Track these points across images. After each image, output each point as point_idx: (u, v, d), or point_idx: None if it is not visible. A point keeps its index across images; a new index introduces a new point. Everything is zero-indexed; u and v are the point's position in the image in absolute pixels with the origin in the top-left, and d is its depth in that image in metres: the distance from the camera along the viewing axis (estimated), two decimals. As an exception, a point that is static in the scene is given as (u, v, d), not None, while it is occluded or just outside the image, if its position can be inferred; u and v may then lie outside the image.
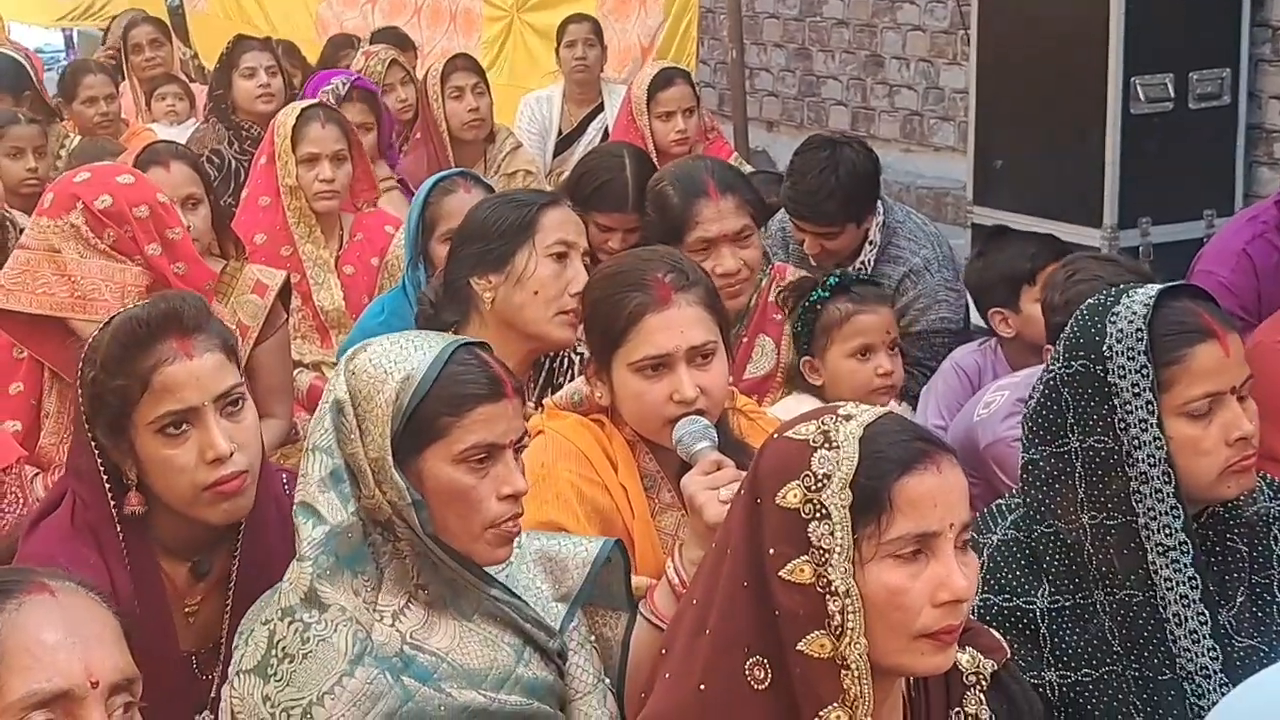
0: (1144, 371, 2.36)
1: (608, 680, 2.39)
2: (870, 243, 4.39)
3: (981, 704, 2.03)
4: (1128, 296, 2.43)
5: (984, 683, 2.04)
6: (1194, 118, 6.12)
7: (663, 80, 5.48)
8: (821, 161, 4.33)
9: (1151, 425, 2.35)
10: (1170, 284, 2.47)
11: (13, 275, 3.48)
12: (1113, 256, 4.11)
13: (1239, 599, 2.46)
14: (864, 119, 8.61)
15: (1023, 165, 6.32)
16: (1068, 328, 2.48)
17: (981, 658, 2.05)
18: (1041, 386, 2.49)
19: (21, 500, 3.13)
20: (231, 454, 2.46)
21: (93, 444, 2.47)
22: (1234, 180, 6.28)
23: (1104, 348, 2.39)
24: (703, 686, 1.92)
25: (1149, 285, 2.46)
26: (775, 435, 1.98)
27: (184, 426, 2.45)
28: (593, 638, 2.42)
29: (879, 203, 4.45)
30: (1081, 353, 2.42)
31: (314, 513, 2.22)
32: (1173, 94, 6.05)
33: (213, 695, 2.55)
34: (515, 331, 3.24)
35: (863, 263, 4.33)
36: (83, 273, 3.46)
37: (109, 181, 3.54)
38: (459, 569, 2.24)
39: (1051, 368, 2.48)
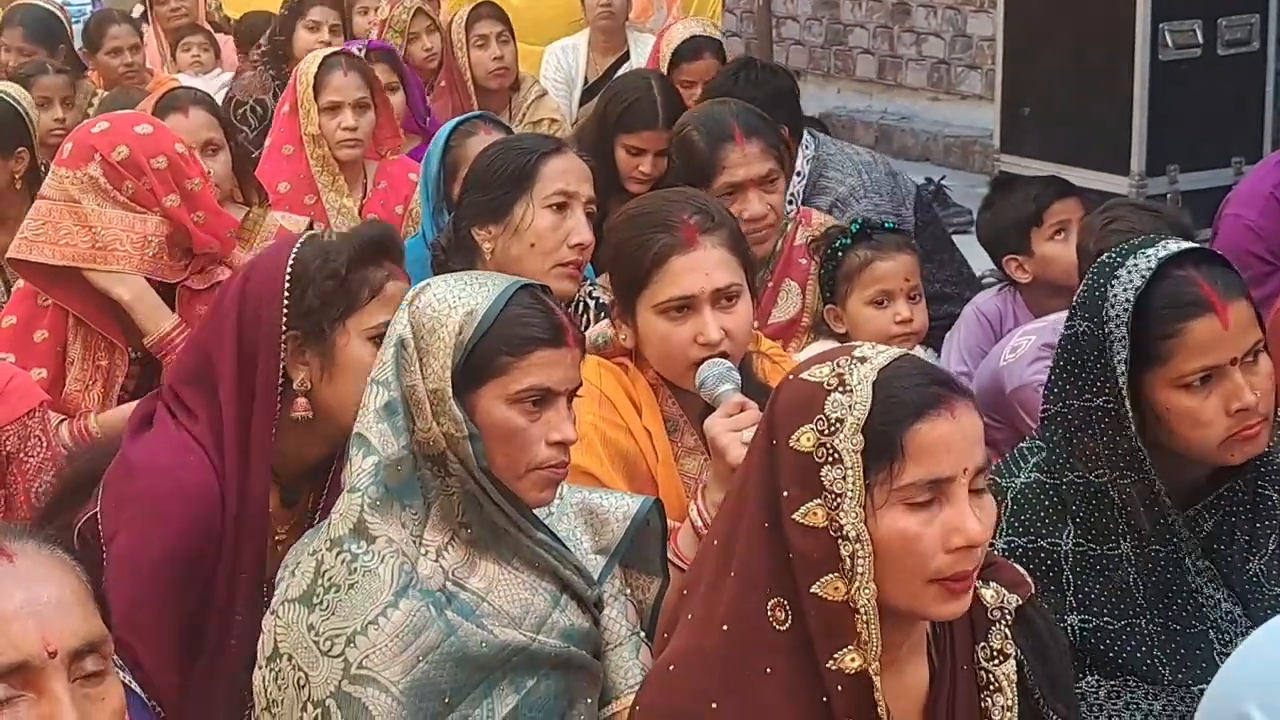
0: (1124, 343, 2.34)
1: (642, 633, 2.40)
2: (798, 174, 4.37)
3: (1006, 639, 2.01)
4: (1133, 259, 2.38)
5: (1008, 618, 2.03)
6: (1222, 64, 6.08)
7: (690, 51, 5.41)
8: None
9: (1125, 399, 2.33)
10: (1179, 248, 2.42)
11: (35, 226, 3.48)
12: (1152, 205, 4.08)
13: (1271, 546, 2.46)
14: (891, 67, 8.58)
15: (1050, 113, 6.29)
16: (1082, 283, 2.46)
17: (1005, 593, 2.04)
18: (1061, 340, 2.48)
19: (45, 445, 3.13)
20: None
21: (282, 345, 2.51)
22: (1263, 126, 6.25)
23: (1102, 311, 2.37)
24: (726, 627, 1.92)
25: (1157, 247, 2.41)
26: (791, 376, 1.98)
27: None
28: (628, 590, 2.42)
29: (809, 136, 4.44)
30: (1086, 313, 2.40)
31: (366, 443, 2.24)
32: (1201, 40, 6.01)
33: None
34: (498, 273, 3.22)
35: (791, 195, 4.29)
36: (102, 223, 3.46)
37: (127, 132, 3.52)
38: (507, 507, 2.25)
39: (1069, 322, 2.46)
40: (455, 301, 2.25)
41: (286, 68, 5.79)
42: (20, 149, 4.29)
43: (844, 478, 1.86)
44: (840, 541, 1.86)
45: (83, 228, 3.46)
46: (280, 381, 2.52)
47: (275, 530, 2.59)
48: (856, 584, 1.85)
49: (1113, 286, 2.37)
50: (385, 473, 2.22)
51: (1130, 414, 2.36)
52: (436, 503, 2.25)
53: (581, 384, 2.34)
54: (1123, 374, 2.35)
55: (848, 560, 1.86)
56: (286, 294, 2.51)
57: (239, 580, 2.52)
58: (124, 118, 3.72)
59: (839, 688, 1.86)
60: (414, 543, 2.22)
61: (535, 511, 2.32)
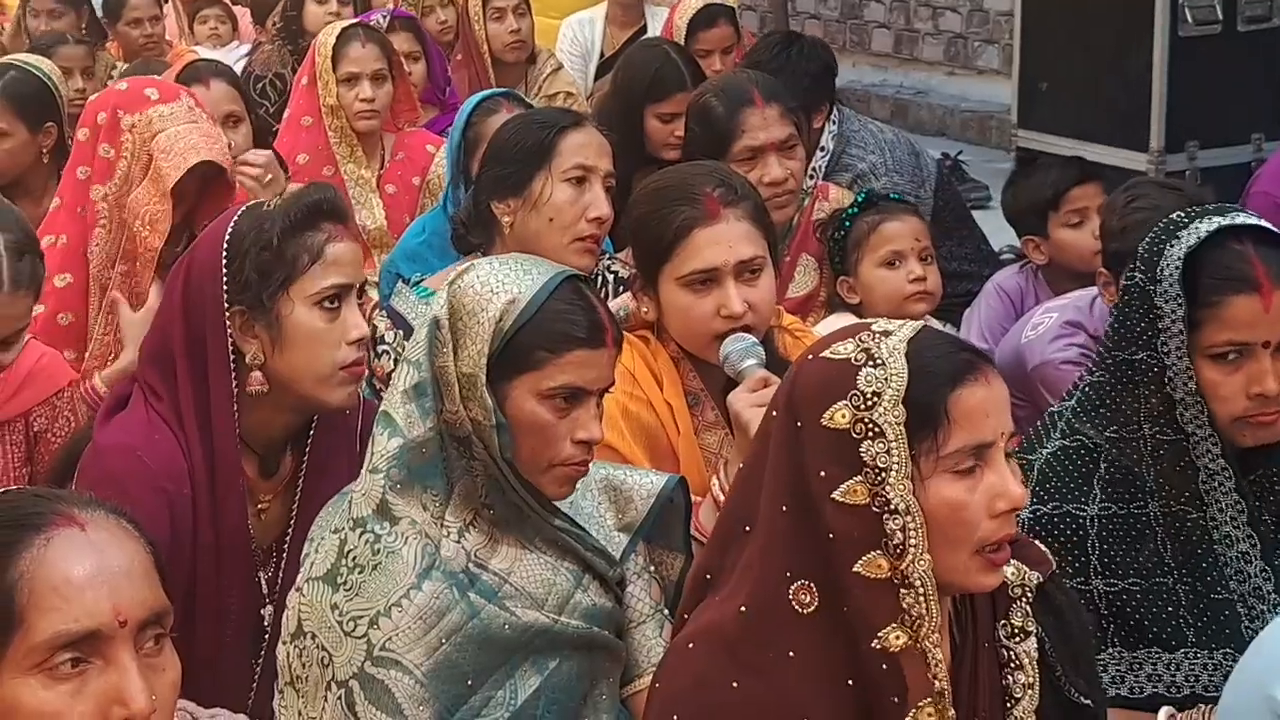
0: (1179, 301, 2.35)
1: (665, 611, 2.40)
2: (821, 149, 4.36)
3: (1028, 616, 2.02)
4: (1197, 222, 2.40)
5: (1029, 595, 2.03)
6: (1242, 40, 6.03)
7: (705, 19, 5.40)
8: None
9: (1184, 356, 2.35)
10: (1245, 222, 2.42)
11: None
12: (1175, 183, 4.08)
13: None
14: (907, 42, 8.56)
15: (1068, 88, 6.25)
16: (1147, 236, 2.46)
17: (1027, 570, 2.04)
18: (1120, 290, 2.48)
19: (73, 424, 3.16)
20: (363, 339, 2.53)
21: (226, 321, 2.49)
22: (1284, 103, 6.21)
23: (1158, 268, 2.38)
24: (744, 608, 1.92)
25: (1228, 216, 2.42)
26: (809, 356, 1.96)
27: (337, 303, 2.49)
28: (651, 568, 2.42)
29: (835, 111, 4.43)
30: (1143, 266, 2.42)
31: (392, 423, 2.24)
32: (1221, 16, 5.97)
33: (266, 593, 2.59)
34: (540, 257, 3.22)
35: (814, 169, 4.29)
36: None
37: (146, 100, 3.54)
38: (525, 496, 2.25)
39: (1129, 272, 2.46)
40: (498, 287, 2.23)
41: (302, 42, 5.78)
42: (48, 124, 4.29)
43: (888, 451, 1.85)
44: (886, 517, 1.85)
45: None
46: (232, 357, 2.50)
47: (259, 499, 2.59)
48: (910, 557, 1.85)
49: (1172, 246, 2.38)
50: (409, 454, 2.22)
51: (1172, 369, 2.36)
52: (460, 483, 2.24)
53: (614, 383, 2.33)
54: (1167, 329, 2.35)
55: (897, 534, 1.85)
56: (225, 269, 2.49)
57: (223, 553, 2.52)
58: (141, 82, 3.73)
59: (883, 666, 1.85)
60: (436, 524, 2.22)
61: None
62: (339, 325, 2.49)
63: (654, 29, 6.49)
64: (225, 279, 2.48)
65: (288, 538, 2.59)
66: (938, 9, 8.31)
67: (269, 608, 2.58)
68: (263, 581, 2.59)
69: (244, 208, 2.57)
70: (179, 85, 3.60)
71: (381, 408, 2.28)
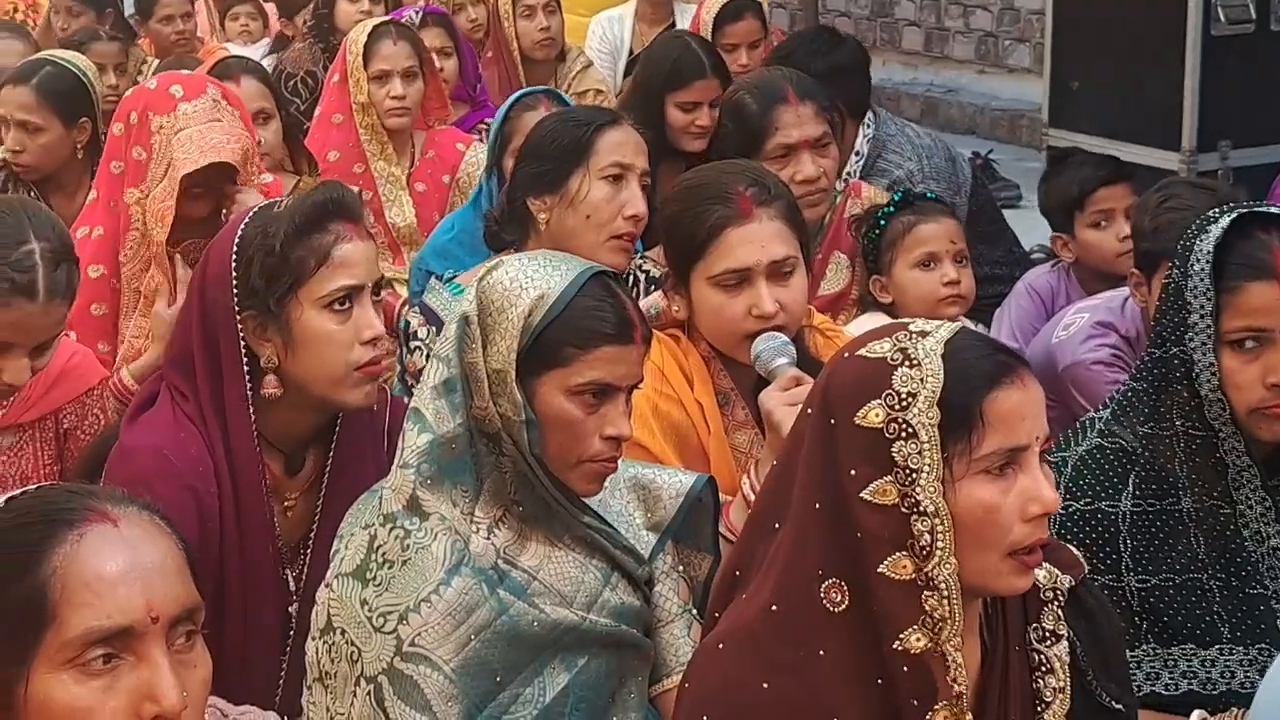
0: (1208, 294, 2.35)
1: (693, 610, 2.39)
2: (856, 153, 4.35)
3: (1059, 620, 2.01)
4: (1226, 215, 2.40)
5: (1061, 599, 2.02)
6: (1275, 39, 6.01)
7: (731, 12, 5.40)
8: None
9: (1209, 350, 2.34)
10: (1276, 212, 2.43)
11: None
12: (1208, 183, 4.06)
13: None
14: (938, 40, 8.53)
15: (1100, 87, 6.24)
16: (1183, 235, 2.46)
17: (1059, 574, 2.03)
18: (1160, 292, 2.48)
19: (103, 421, 3.17)
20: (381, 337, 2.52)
21: (238, 326, 2.49)
22: (1315, 102, 6.18)
23: (1189, 263, 2.38)
24: (774, 607, 1.91)
25: (1248, 207, 2.43)
26: (845, 354, 1.96)
27: (349, 304, 2.49)
28: (680, 567, 2.42)
29: (871, 114, 4.41)
30: (1178, 261, 2.41)
31: (421, 419, 2.24)
32: (1254, 15, 5.95)
33: (292, 590, 2.59)
34: (569, 254, 3.22)
35: (848, 173, 4.28)
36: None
37: (172, 99, 3.55)
38: (554, 493, 2.25)
39: (1168, 273, 2.46)
40: (526, 283, 2.23)
41: (333, 39, 5.80)
42: (84, 119, 4.31)
43: (920, 452, 1.84)
44: (914, 518, 1.84)
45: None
46: (248, 360, 2.50)
47: (285, 497, 2.60)
48: (935, 560, 1.84)
49: (1202, 240, 2.38)
50: (439, 450, 2.22)
51: (1199, 364, 2.36)
52: (489, 479, 2.24)
53: (643, 379, 2.32)
54: (1195, 324, 2.35)
55: (924, 536, 1.84)
56: (235, 275, 2.48)
57: (249, 551, 2.52)
58: (170, 77, 3.75)
59: (904, 668, 1.85)
60: (466, 520, 2.22)
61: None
62: (351, 326, 2.48)
63: (683, 25, 6.49)
64: (235, 284, 2.48)
65: (313, 535, 2.60)
66: (969, 7, 8.28)
67: (295, 605, 2.58)
68: (289, 579, 2.60)
69: (254, 210, 2.56)
70: (206, 78, 3.60)
71: (412, 403, 2.28)
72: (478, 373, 2.22)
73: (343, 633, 2.21)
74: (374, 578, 2.21)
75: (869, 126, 4.39)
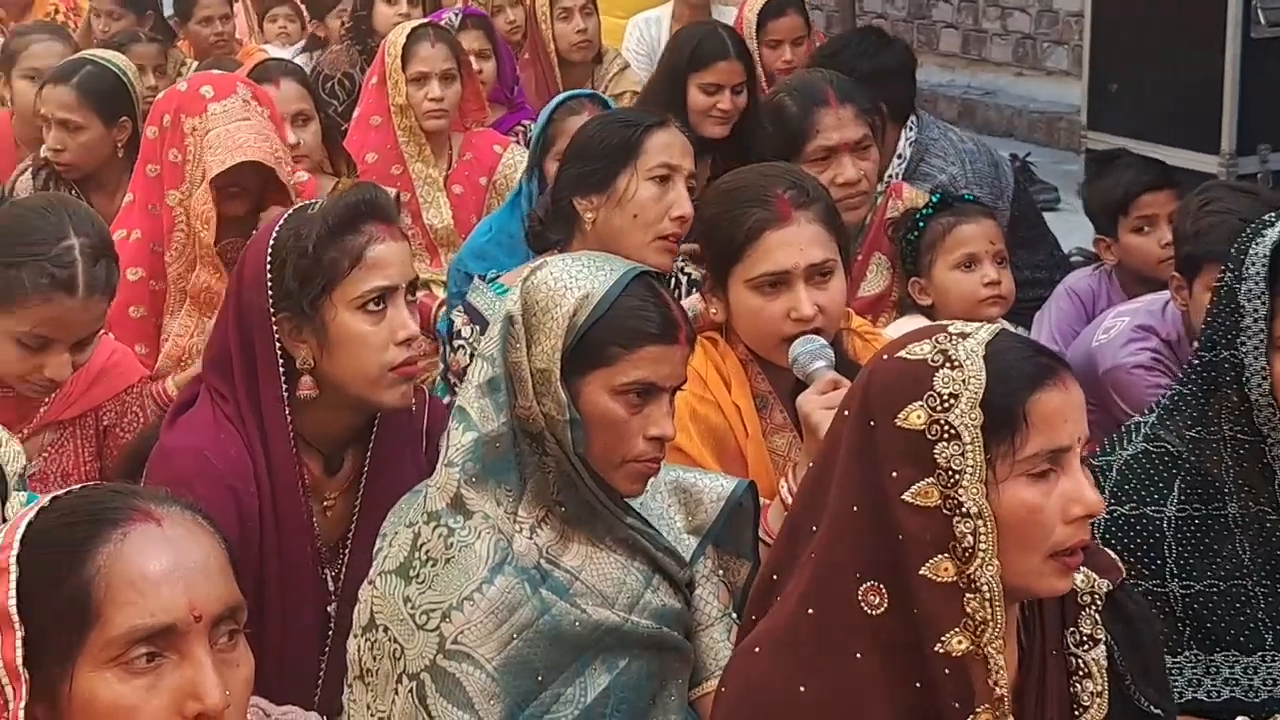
0: (1262, 298, 2.33)
1: (733, 614, 2.39)
2: (899, 156, 4.33)
3: (1097, 624, 2.00)
4: None
5: (1099, 602, 2.02)
6: (1317, 42, 5.97)
7: (775, 8, 5.41)
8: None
9: (1261, 355, 2.33)
10: None
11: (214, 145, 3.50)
12: (1249, 186, 4.05)
13: None
14: (975, 42, 8.50)
15: (1138, 89, 6.21)
16: (1237, 239, 2.45)
17: (1096, 578, 2.02)
18: (1211, 295, 2.47)
19: (142, 420, 3.19)
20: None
21: (274, 327, 2.50)
22: (1356, 106, 6.14)
23: (1244, 266, 2.36)
24: (810, 610, 1.90)
25: None
26: (884, 356, 1.95)
27: (383, 304, 2.49)
28: (720, 571, 2.42)
29: (914, 118, 4.40)
30: (1231, 265, 2.40)
31: (466, 417, 2.25)
32: (1294, 17, 5.91)
33: (331, 590, 2.60)
34: (615, 254, 3.22)
35: (890, 176, 4.27)
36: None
37: (203, 100, 3.58)
38: (598, 493, 2.25)
39: (1219, 276, 2.45)
40: (571, 282, 2.23)
41: (371, 42, 5.82)
42: (124, 118, 4.34)
43: (962, 454, 1.83)
44: (956, 520, 1.84)
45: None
46: (283, 361, 2.51)
47: (325, 497, 2.61)
48: (978, 561, 1.83)
49: (1257, 244, 2.36)
50: (484, 449, 2.22)
51: (1250, 369, 2.34)
52: (532, 479, 2.24)
53: (686, 380, 2.32)
54: (1248, 328, 2.34)
55: (967, 538, 1.83)
56: (269, 277, 2.49)
57: (288, 550, 2.53)
58: (203, 77, 3.77)
59: (945, 671, 1.84)
60: (509, 519, 2.22)
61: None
62: (385, 327, 2.49)
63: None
64: (270, 286, 2.49)
65: (352, 535, 2.61)
66: (1006, 9, 8.25)
67: (334, 605, 2.59)
68: (328, 579, 2.61)
69: (289, 212, 2.58)
70: (237, 77, 3.61)
71: (457, 402, 2.28)
72: (521, 372, 2.22)
73: (385, 630, 2.22)
74: (417, 575, 2.21)
75: (911, 130, 4.38)
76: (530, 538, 2.23)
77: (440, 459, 2.27)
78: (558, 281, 2.23)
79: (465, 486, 2.22)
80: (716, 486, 2.41)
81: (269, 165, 3.48)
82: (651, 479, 2.31)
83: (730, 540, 2.42)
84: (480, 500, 2.22)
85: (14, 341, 2.84)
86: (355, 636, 2.27)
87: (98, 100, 4.28)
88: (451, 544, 2.20)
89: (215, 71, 3.70)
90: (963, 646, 1.84)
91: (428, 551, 2.21)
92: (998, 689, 1.85)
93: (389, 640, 2.20)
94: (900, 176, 4.28)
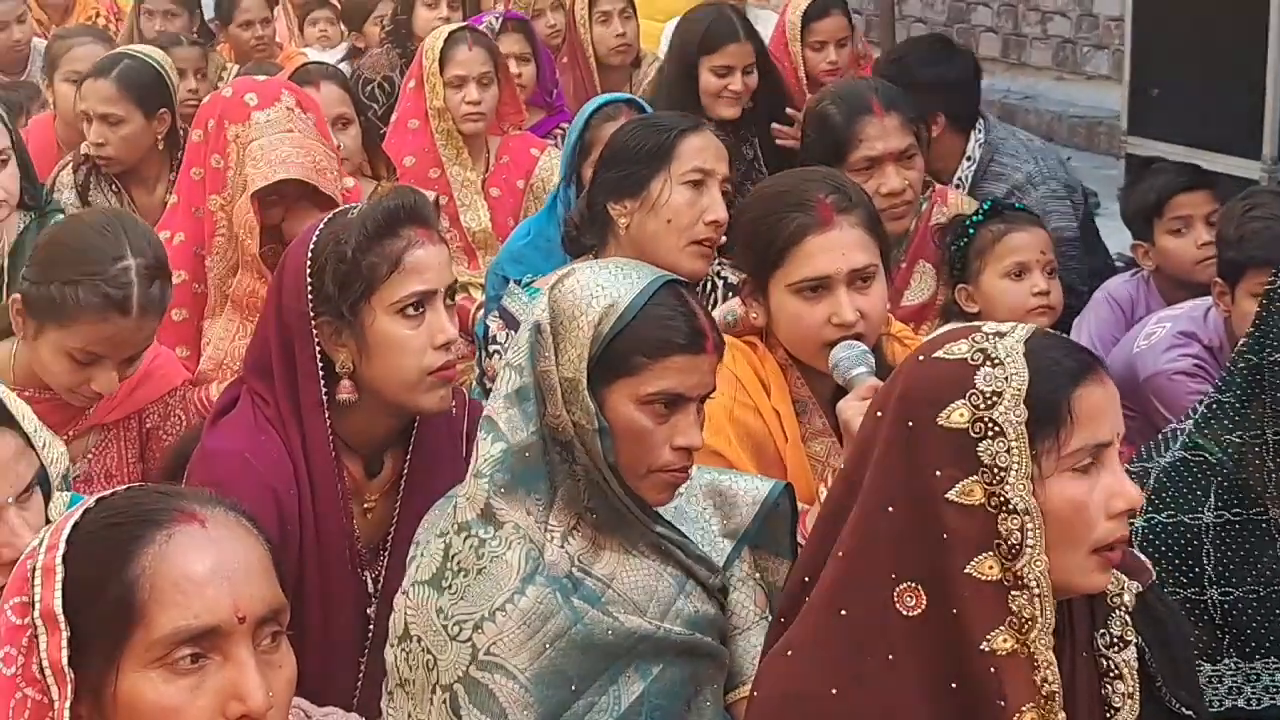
0: None
1: (770, 617, 2.37)
2: (968, 158, 4.32)
3: (1127, 625, 1.99)
4: None
5: (1129, 604, 2.00)
6: (1361, 45, 5.92)
7: (818, 10, 5.40)
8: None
9: None
10: None
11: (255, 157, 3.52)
12: None
13: None
14: (1015, 46, 8.47)
15: (1180, 94, 6.17)
16: None
17: (1126, 580, 2.01)
18: (1261, 299, 2.47)
19: (185, 424, 3.21)
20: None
21: (313, 331, 2.51)
22: (1400, 110, 6.08)
23: None
24: (843, 612, 1.90)
25: None
26: (918, 357, 1.95)
27: (422, 309, 2.50)
28: (757, 574, 2.40)
29: (980, 120, 4.38)
30: None
31: (495, 428, 2.24)
32: (1338, 21, 5.86)
33: (371, 592, 2.61)
34: (649, 259, 3.22)
35: (960, 179, 4.26)
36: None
37: (246, 108, 3.59)
38: (627, 502, 2.24)
39: (1271, 279, 2.44)
40: (598, 291, 2.22)
41: (411, 45, 5.84)
42: (162, 110, 4.39)
43: (1008, 450, 1.83)
44: (1002, 516, 1.83)
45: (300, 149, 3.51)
46: (322, 365, 2.51)
47: (365, 499, 2.62)
48: (1026, 558, 1.83)
49: None
50: (513, 459, 2.22)
51: None
52: (563, 486, 2.24)
53: (715, 389, 2.31)
54: None
55: (1014, 534, 1.83)
56: (309, 282, 2.50)
57: (328, 552, 2.54)
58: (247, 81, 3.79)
59: (990, 670, 1.83)
60: (540, 528, 2.22)
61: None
62: (424, 331, 2.49)
63: (758, 30, 6.49)
64: (309, 290, 2.50)
65: (391, 537, 2.61)
66: (1046, 13, 8.21)
67: (374, 607, 2.59)
68: (368, 580, 2.61)
69: (328, 217, 2.58)
70: (281, 84, 3.63)
71: (485, 412, 2.28)
72: (550, 381, 2.22)
73: (419, 640, 2.22)
74: (449, 586, 2.21)
75: (979, 131, 4.37)
76: (562, 546, 2.23)
77: (469, 469, 2.27)
78: (584, 290, 2.23)
79: (495, 497, 2.22)
80: (752, 489, 2.40)
81: (306, 181, 3.48)
82: (682, 485, 2.31)
83: (768, 540, 2.41)
84: (510, 510, 2.21)
85: (65, 355, 2.88)
86: (391, 646, 2.27)
87: (138, 93, 4.33)
88: (483, 554, 2.20)
89: (259, 78, 3.72)
90: (1008, 645, 1.84)
91: (459, 562, 2.21)
92: (1046, 686, 1.84)
93: (423, 651, 2.21)
94: (970, 178, 4.27)
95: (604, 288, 2.22)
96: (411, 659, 2.23)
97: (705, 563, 2.32)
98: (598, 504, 2.25)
